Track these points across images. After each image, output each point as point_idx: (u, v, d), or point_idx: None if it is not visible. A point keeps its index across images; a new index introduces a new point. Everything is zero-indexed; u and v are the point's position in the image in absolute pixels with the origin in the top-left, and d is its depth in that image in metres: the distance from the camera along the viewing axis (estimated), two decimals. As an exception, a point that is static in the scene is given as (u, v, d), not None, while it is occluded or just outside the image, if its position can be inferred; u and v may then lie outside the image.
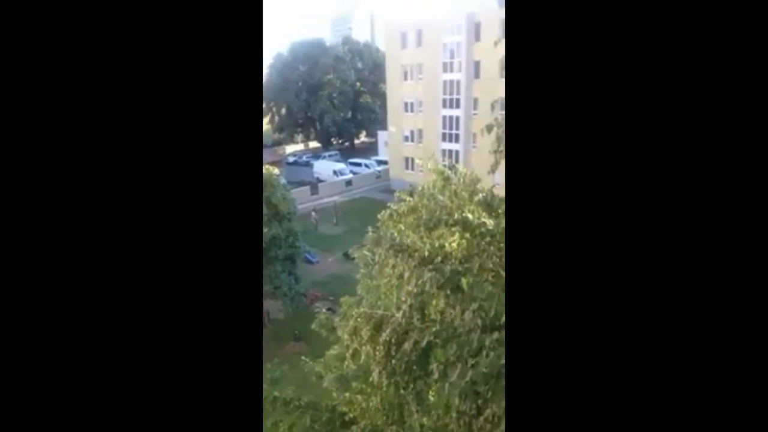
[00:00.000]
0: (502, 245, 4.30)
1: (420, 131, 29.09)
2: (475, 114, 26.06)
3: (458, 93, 26.39)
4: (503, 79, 4.08)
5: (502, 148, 3.71)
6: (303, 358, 5.62)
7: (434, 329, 3.53)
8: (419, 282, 3.56)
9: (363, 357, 4.14)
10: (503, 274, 4.02)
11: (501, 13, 4.83)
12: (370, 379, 4.05)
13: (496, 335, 2.68)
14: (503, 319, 2.84)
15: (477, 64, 25.27)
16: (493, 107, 4.23)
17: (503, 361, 2.45)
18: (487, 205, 4.52)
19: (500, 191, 4.81)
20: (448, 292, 3.49)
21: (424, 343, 3.51)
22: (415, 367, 3.73)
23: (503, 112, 3.96)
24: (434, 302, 3.64)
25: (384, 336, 3.84)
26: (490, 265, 4.15)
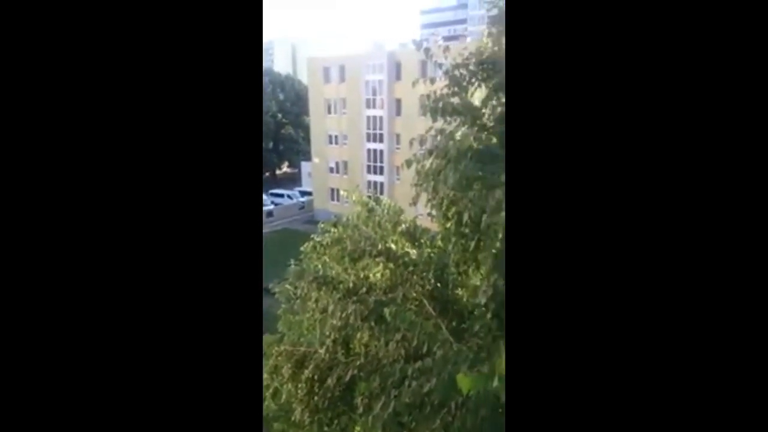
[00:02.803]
0: (425, 274, 4.43)
1: (345, 163, 29.43)
2: (397, 148, 27.00)
3: (381, 128, 27.26)
4: (422, 117, 4.32)
5: (421, 182, 3.87)
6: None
7: (358, 363, 3.49)
8: (343, 315, 3.53)
9: (284, 396, 3.97)
10: (426, 303, 4.13)
11: (419, 55, 5.24)
12: (292, 419, 3.88)
13: (418, 364, 2.72)
14: (425, 348, 2.89)
15: (398, 102, 26.41)
16: (411, 144, 4.46)
17: (425, 390, 2.48)
18: (410, 236, 4.65)
19: (422, 221, 4.99)
20: (372, 323, 3.50)
21: (347, 378, 3.45)
22: (339, 403, 3.64)
23: (421, 150, 4.17)
24: (358, 335, 3.62)
25: (306, 373, 3.72)
26: (414, 294, 4.25)
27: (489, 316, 2.79)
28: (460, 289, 4.15)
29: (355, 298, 3.75)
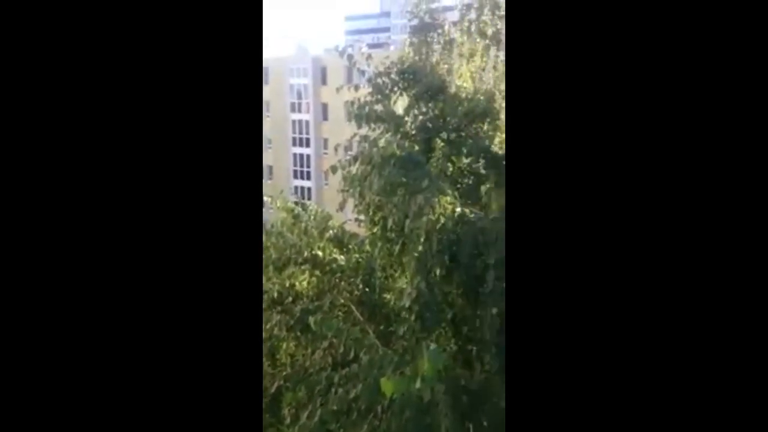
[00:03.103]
0: (352, 280, 4.45)
1: (270, 167, 28.65)
2: (325, 153, 26.83)
3: (308, 132, 26.95)
4: (349, 123, 4.35)
5: (347, 187, 3.90)
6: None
7: (284, 373, 3.42)
8: (268, 326, 3.44)
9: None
10: (354, 308, 4.14)
11: (343, 61, 5.26)
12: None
13: (345, 371, 2.72)
14: (352, 354, 2.91)
15: (325, 106, 26.29)
16: (336, 149, 4.46)
17: (351, 396, 2.49)
18: (339, 241, 4.65)
19: (350, 227, 5.00)
20: (298, 333, 3.44)
21: (274, 389, 3.36)
22: (265, 415, 3.53)
23: (347, 156, 4.20)
24: (284, 345, 3.55)
25: (231, 387, 3.55)
26: (341, 301, 4.24)
27: (413, 318, 2.87)
28: (388, 293, 4.22)
29: (280, 308, 3.68)
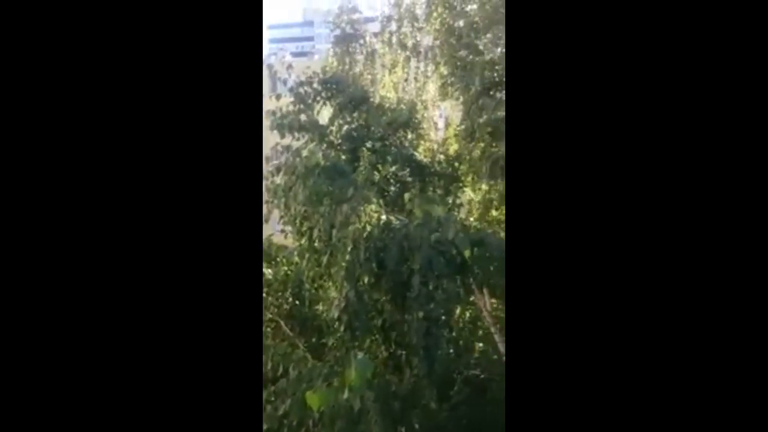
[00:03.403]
0: (280, 294, 4.33)
1: (192, 180, 27.21)
2: (251, 163, 26.04)
3: (232, 142, 26.04)
4: (273, 132, 4.26)
5: (272, 198, 3.82)
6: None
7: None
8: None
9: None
10: (282, 323, 4.04)
11: (265, 70, 5.23)
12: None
13: (273, 388, 2.64)
14: (281, 369, 2.83)
15: (250, 115, 25.56)
16: (259, 160, 4.36)
17: (281, 412, 2.42)
18: (266, 255, 4.52)
19: (277, 239, 4.87)
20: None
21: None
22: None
23: (270, 166, 4.11)
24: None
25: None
26: (270, 316, 4.12)
27: (343, 328, 2.86)
28: (318, 304, 4.17)
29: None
